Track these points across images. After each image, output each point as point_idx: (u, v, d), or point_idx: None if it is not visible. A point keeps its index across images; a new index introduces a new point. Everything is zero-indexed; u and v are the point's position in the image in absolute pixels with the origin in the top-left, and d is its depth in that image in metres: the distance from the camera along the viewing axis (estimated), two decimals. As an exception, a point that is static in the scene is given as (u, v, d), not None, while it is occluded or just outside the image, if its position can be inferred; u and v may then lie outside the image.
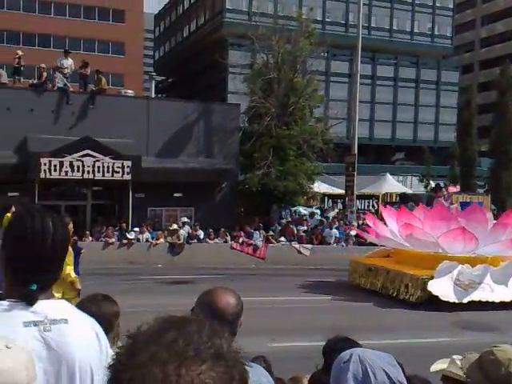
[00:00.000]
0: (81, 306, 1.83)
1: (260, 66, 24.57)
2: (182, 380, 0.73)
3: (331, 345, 2.66)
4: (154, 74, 30.26)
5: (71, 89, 20.29)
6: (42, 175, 18.15)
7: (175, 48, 48.82)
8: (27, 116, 18.72)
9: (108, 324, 2.29)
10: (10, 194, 18.48)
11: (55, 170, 18.26)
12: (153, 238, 18.00)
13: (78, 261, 7.54)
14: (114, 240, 17.53)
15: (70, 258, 6.50)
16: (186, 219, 19.34)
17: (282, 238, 18.97)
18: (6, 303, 1.57)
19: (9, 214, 11.32)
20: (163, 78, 45.60)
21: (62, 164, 18.35)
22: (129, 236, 17.72)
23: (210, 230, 18.41)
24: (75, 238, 12.07)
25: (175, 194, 20.47)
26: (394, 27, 45.85)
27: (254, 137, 22.40)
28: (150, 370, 0.74)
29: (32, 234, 1.59)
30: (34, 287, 1.56)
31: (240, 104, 23.95)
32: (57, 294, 6.30)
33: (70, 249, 6.55)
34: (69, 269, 6.40)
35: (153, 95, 25.59)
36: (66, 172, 18.41)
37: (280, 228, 20.04)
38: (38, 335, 1.54)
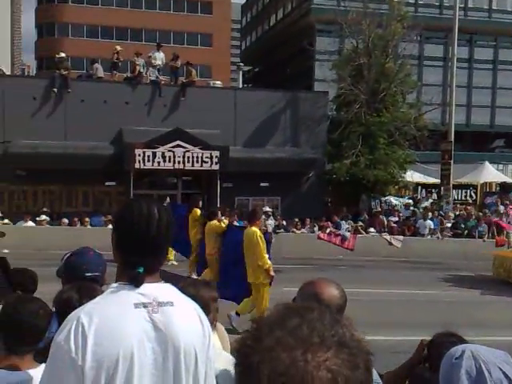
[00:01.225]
0: (181, 289, 1.86)
1: (349, 51, 23.93)
2: (309, 365, 0.75)
3: (439, 339, 2.56)
4: (241, 64, 30.42)
5: (163, 81, 20.85)
6: (137, 165, 18.86)
7: (262, 37, 48.82)
8: (123, 108, 19.48)
9: (205, 307, 2.30)
10: (107, 184, 19.44)
11: (148, 161, 18.92)
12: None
13: (269, 249, 7.97)
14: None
15: (263, 246, 7.48)
16: (267, 208, 19.25)
17: (372, 229, 18.39)
18: (116, 285, 1.68)
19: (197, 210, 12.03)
20: (250, 67, 45.86)
21: (154, 155, 18.96)
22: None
23: (296, 220, 18.23)
24: (265, 227, 12.52)
25: (262, 184, 20.50)
26: (494, 7, 42.81)
27: (343, 125, 21.86)
28: (277, 354, 0.76)
29: (138, 218, 1.68)
30: (141, 270, 1.65)
31: (328, 92, 23.45)
32: (252, 280, 7.54)
33: (262, 238, 7.56)
34: (265, 257, 7.35)
35: (240, 85, 25.74)
36: (159, 162, 19.02)
37: (369, 218, 19.45)
38: (147, 316, 1.61)
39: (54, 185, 19.11)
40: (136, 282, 1.65)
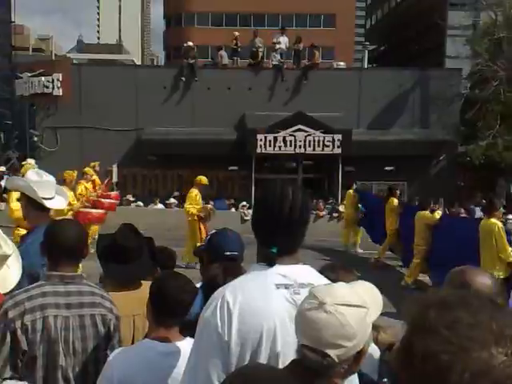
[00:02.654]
0: (321, 273, 1.89)
1: (487, 24, 21.90)
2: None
3: None
4: (366, 43, 29.30)
5: (285, 66, 20.74)
6: (258, 150, 19.06)
7: (388, 14, 46.71)
8: (245, 94, 19.72)
9: None
10: (230, 168, 19.89)
11: (270, 145, 19.01)
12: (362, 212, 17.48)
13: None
14: (324, 213, 17.53)
15: (505, 238, 7.12)
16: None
17: (510, 216, 16.74)
18: (256, 265, 1.74)
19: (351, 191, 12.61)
20: (374, 46, 44.12)
21: (276, 139, 19.00)
22: (340, 209, 17.52)
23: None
24: None
25: (386, 168, 19.64)
26: None
27: (478, 104, 20.11)
28: (473, 352, 0.74)
29: (272, 199, 1.71)
30: (275, 250, 1.67)
31: (461, 69, 21.71)
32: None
33: (504, 229, 7.18)
34: (508, 250, 6.99)
35: (365, 65, 24.81)
36: (280, 147, 19.03)
37: (507, 205, 17.74)
38: (289, 297, 1.62)
39: (182, 169, 19.95)
40: (269, 262, 1.68)
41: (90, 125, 19.74)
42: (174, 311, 2.19)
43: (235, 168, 19.79)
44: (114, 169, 19.22)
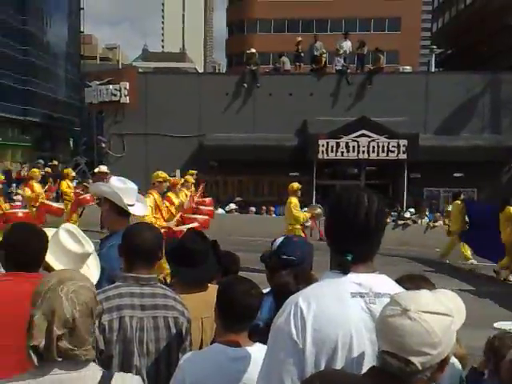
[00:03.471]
0: (399, 283, 1.81)
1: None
2: None
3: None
4: (433, 47, 28.39)
5: (349, 70, 20.43)
6: (320, 156, 18.83)
7: (456, 17, 45.19)
8: (307, 99, 19.56)
9: None
10: (290, 174, 19.74)
11: (332, 151, 18.74)
12: (430, 221, 16.85)
13: None
14: (388, 220, 17.02)
15: None
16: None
17: None
18: (330, 273, 1.69)
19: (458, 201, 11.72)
20: (441, 50, 42.80)
21: (338, 145, 18.70)
22: (405, 215, 16.96)
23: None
24: None
25: (455, 174, 18.85)
26: None
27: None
28: None
29: (347, 205, 1.67)
30: (350, 257, 1.64)
31: (537, 71, 20.60)
32: None
33: None
34: None
35: (433, 69, 24.06)
36: (342, 152, 18.72)
37: None
38: (365, 306, 1.59)
39: (243, 175, 20.03)
40: (343, 269, 1.65)
41: (154, 131, 20.21)
42: (240, 316, 2.19)
43: (296, 174, 19.60)
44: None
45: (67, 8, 67.59)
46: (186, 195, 11.07)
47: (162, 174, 8.24)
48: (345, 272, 1.64)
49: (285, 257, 2.75)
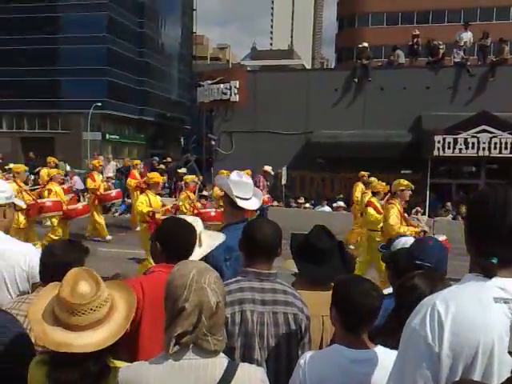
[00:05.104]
0: None
1: None
2: None
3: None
4: None
5: (469, 62, 19.15)
6: (435, 153, 17.88)
7: None
8: (422, 94, 18.62)
9: None
10: (402, 172, 18.89)
11: (449, 148, 17.69)
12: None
13: None
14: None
15: None
16: None
17: None
18: (470, 275, 1.61)
19: None
20: None
21: (455, 141, 17.61)
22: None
23: None
24: None
25: None
26: None
27: None
28: None
29: (493, 205, 1.57)
30: (495, 260, 1.54)
31: None
32: None
33: None
34: None
35: None
36: (460, 149, 17.59)
37: None
38: (509, 313, 1.50)
39: (351, 172, 19.54)
40: (488, 273, 1.56)
41: (262, 129, 20.34)
42: (360, 317, 2.13)
43: (408, 172, 18.75)
44: (284, 171, 19.54)
45: (180, 9, 70.61)
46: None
47: (404, 182, 7.78)
48: (489, 276, 1.56)
49: (419, 262, 2.61)
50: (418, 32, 20.61)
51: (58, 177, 10.56)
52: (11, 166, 10.87)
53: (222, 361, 1.72)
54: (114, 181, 16.53)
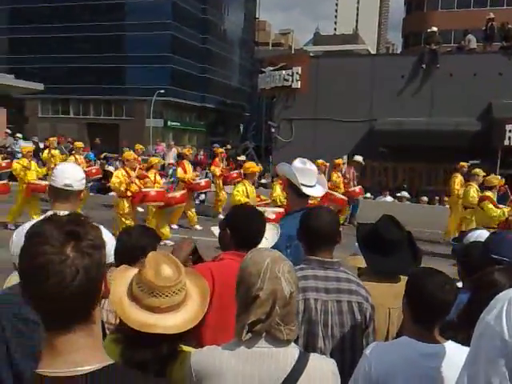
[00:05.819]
0: None
1: None
2: None
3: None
4: None
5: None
6: (506, 142, 17.04)
7: None
8: (494, 81, 17.68)
9: None
10: (470, 162, 18.04)
11: (521, 137, 16.77)
12: None
13: None
14: None
15: None
16: None
17: None
18: None
19: None
20: None
21: (528, 131, 16.66)
22: None
23: None
24: None
25: None
26: None
27: None
28: None
29: None
30: None
31: None
32: None
33: None
34: None
35: None
36: (534, 139, 16.63)
37: None
38: None
39: (415, 162, 18.91)
40: None
41: (323, 116, 20.00)
42: (432, 310, 2.06)
43: (477, 162, 17.89)
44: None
45: (243, -6, 70.22)
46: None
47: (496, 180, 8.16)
48: None
49: (496, 257, 2.53)
50: (492, 15, 19.55)
51: (158, 166, 10.61)
52: (125, 153, 10.49)
53: (293, 351, 1.72)
54: (174, 167, 16.67)
